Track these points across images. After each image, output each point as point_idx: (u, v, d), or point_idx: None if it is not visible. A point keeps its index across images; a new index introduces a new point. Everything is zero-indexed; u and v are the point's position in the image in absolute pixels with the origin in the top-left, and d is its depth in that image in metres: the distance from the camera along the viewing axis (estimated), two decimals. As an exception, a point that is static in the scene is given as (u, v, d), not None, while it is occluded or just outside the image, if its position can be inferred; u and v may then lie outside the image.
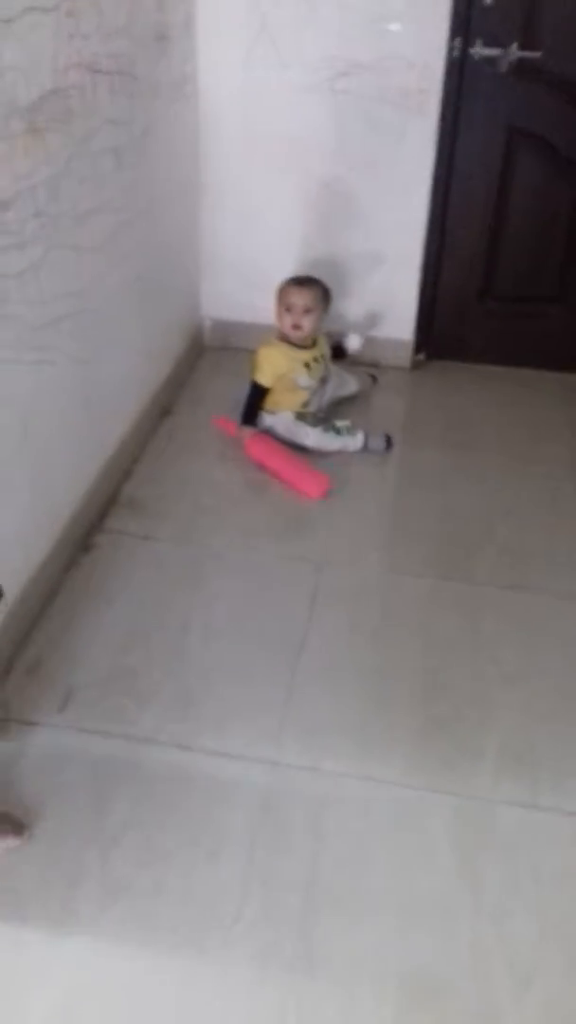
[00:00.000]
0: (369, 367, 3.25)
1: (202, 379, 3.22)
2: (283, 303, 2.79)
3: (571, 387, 3.33)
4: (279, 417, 2.86)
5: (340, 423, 2.89)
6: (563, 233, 3.20)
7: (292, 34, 2.89)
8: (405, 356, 3.37)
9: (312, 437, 2.85)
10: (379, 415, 3.05)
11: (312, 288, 2.80)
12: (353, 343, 3.07)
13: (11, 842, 1.67)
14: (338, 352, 3.04)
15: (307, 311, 2.77)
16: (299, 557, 2.42)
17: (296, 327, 2.79)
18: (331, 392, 3.00)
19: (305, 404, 2.89)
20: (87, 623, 2.16)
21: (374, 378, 3.21)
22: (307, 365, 2.84)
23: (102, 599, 2.23)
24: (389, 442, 2.89)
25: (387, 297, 3.28)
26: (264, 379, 2.82)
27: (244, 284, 3.29)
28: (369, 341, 3.30)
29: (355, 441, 2.87)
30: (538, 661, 2.14)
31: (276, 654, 2.11)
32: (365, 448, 2.86)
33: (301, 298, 2.77)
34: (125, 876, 1.63)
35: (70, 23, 2.00)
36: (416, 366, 3.41)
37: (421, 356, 3.43)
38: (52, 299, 2.06)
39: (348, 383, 3.10)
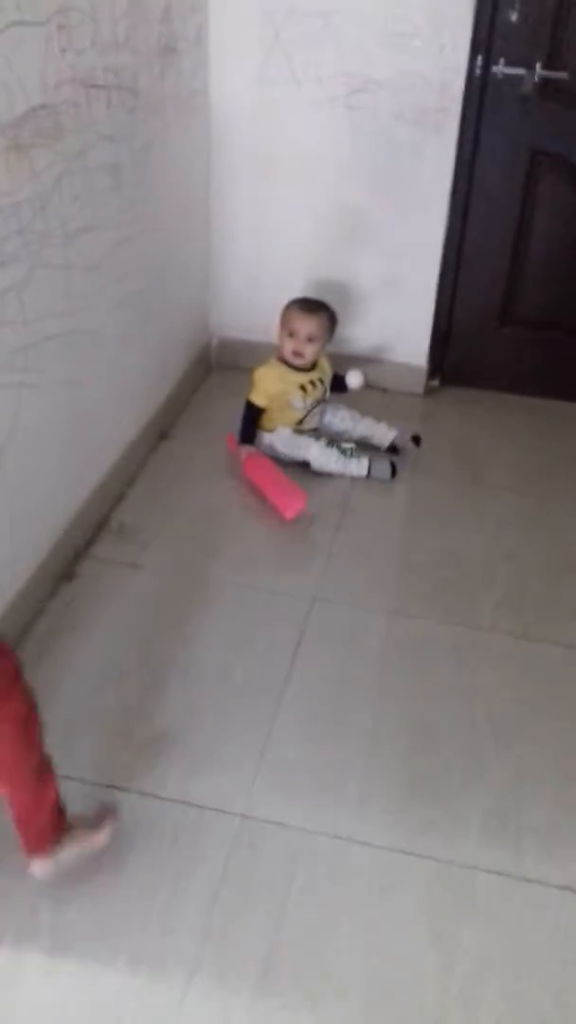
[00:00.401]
0: (413, 430, 2.97)
1: (206, 400, 3.14)
2: (287, 327, 2.70)
3: (590, 419, 3.21)
4: (277, 434, 2.78)
5: (345, 445, 2.79)
6: (587, 259, 3.08)
7: (306, 49, 2.81)
8: (418, 381, 3.27)
9: (314, 449, 2.75)
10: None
11: (318, 316, 2.70)
12: (353, 380, 2.90)
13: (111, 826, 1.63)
14: (338, 384, 2.91)
15: (310, 340, 2.68)
16: (290, 592, 2.32)
17: (297, 354, 2.70)
18: (356, 431, 2.89)
19: (299, 423, 2.81)
20: (62, 659, 2.07)
21: (417, 440, 2.92)
22: (302, 387, 2.76)
23: (80, 632, 2.14)
24: (394, 469, 2.78)
25: (400, 320, 3.18)
26: (258, 399, 2.74)
27: (254, 303, 3.21)
28: (380, 365, 3.22)
29: (358, 466, 2.76)
30: (535, 717, 2.02)
31: (257, 698, 2.01)
32: (368, 475, 2.76)
33: (306, 326, 2.68)
34: (74, 935, 1.54)
35: (62, 37, 1.93)
36: (429, 392, 3.30)
37: (435, 382, 3.32)
38: (36, 319, 1.99)
39: (380, 434, 2.89)
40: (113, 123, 2.24)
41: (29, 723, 1.47)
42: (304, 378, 2.75)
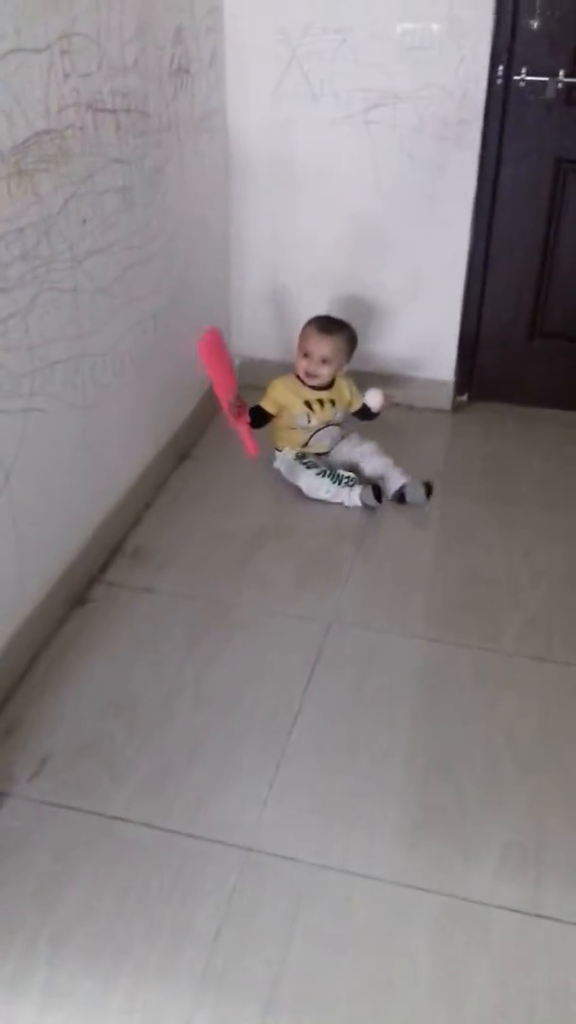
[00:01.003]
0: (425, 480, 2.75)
1: (222, 423, 3.11)
2: (302, 346, 2.66)
3: (623, 433, 3.11)
4: (282, 456, 2.75)
5: (343, 473, 2.70)
6: (617, 269, 3.00)
7: (323, 65, 2.79)
8: (446, 398, 3.21)
9: (303, 480, 2.68)
10: (414, 460, 2.87)
11: (335, 338, 2.64)
12: (372, 400, 2.79)
13: None
14: (366, 413, 2.82)
15: (324, 361, 2.63)
16: (306, 616, 2.27)
17: (310, 375, 2.66)
18: (368, 467, 2.77)
19: (304, 444, 2.75)
20: (72, 684, 2.05)
21: (429, 489, 2.69)
22: (309, 404, 2.70)
23: (91, 657, 2.12)
24: (377, 493, 2.64)
25: (426, 336, 3.13)
26: (266, 403, 2.71)
27: (276, 321, 3.19)
28: (407, 382, 3.17)
29: (349, 496, 2.64)
30: (558, 745, 1.94)
31: (268, 725, 1.96)
32: (364, 505, 2.65)
33: (320, 348, 2.63)
34: (70, 978, 1.50)
35: (65, 62, 1.93)
36: (458, 408, 3.24)
37: (463, 398, 3.26)
38: (42, 344, 1.98)
39: (391, 478, 2.72)
40: (122, 146, 2.23)
41: None
42: (313, 395, 2.70)
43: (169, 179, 2.55)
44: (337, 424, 2.78)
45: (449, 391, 3.20)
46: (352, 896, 1.63)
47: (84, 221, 2.10)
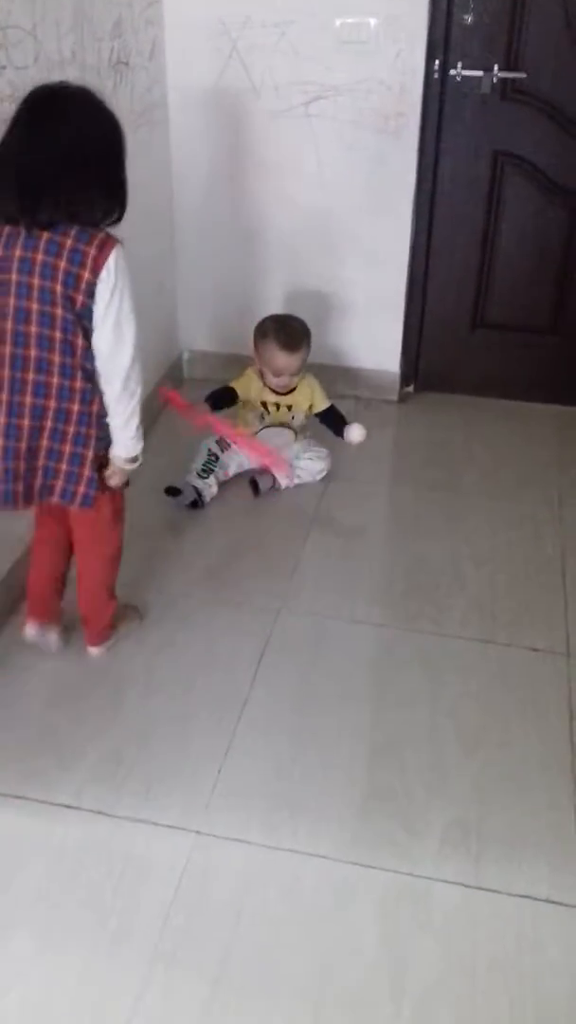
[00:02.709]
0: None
1: (175, 415, 3.12)
2: (269, 364, 2.63)
3: (564, 421, 3.18)
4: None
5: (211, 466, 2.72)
6: (556, 260, 3.06)
7: (263, 58, 2.81)
8: (392, 388, 3.25)
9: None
10: (359, 450, 2.91)
11: (300, 352, 2.62)
12: (353, 435, 2.77)
13: (133, 623, 2.17)
14: (335, 423, 2.82)
15: (292, 375, 2.65)
16: (256, 603, 2.30)
17: (282, 386, 2.68)
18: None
19: (255, 431, 2.77)
20: (16, 675, 2.05)
21: (255, 488, 2.72)
22: (265, 405, 2.73)
23: (38, 648, 2.12)
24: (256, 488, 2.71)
25: (372, 327, 3.17)
26: (238, 386, 2.72)
27: (224, 315, 3.20)
28: (354, 373, 3.21)
29: (198, 481, 2.66)
30: (501, 723, 1.99)
31: (217, 711, 1.99)
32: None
33: (290, 366, 2.62)
34: (21, 961, 1.52)
35: (0, 55, 1.93)
36: (403, 399, 3.29)
37: (409, 388, 3.31)
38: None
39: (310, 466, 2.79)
40: (62, 139, 2.23)
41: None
42: (272, 398, 2.72)
43: (111, 172, 2.54)
44: (294, 429, 2.78)
45: (395, 382, 3.24)
46: (299, 875, 1.66)
47: (24, 214, 2.09)
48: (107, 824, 1.74)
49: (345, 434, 2.78)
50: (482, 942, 1.56)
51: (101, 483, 1.83)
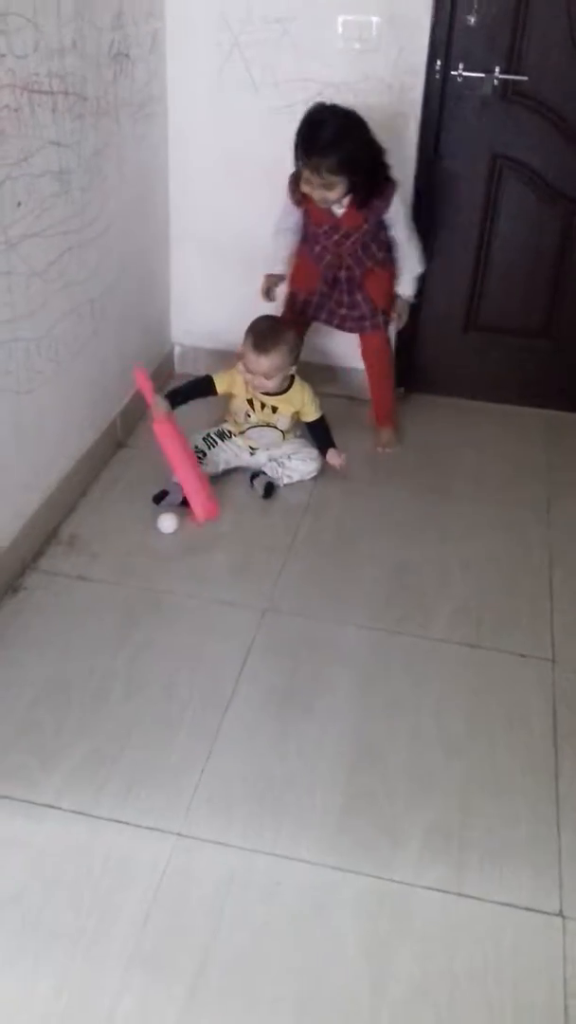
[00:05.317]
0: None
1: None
2: (245, 361, 2.63)
3: (555, 425, 3.18)
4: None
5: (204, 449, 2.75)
6: (550, 265, 3.06)
7: (264, 55, 2.79)
8: (384, 389, 3.23)
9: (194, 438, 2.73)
10: (349, 451, 2.91)
11: (271, 355, 2.58)
12: (332, 459, 2.78)
13: None
14: (316, 431, 2.82)
15: (268, 377, 2.63)
16: (241, 603, 2.29)
17: (255, 387, 2.66)
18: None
19: (240, 433, 2.77)
20: (2, 672, 2.03)
21: (269, 489, 2.71)
22: (251, 402, 2.71)
23: (24, 645, 2.11)
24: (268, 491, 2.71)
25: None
26: (220, 379, 2.72)
27: (216, 310, 3.18)
28: (346, 373, 3.20)
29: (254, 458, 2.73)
30: (485, 728, 1.99)
31: (200, 713, 1.97)
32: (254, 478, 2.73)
33: (259, 366, 2.60)
34: (-2, 961, 1.51)
35: (0, 42, 1.91)
36: (395, 400, 3.26)
37: (401, 390, 3.29)
38: (-26, 328, 1.96)
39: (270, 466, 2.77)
40: (59, 129, 2.21)
41: None
42: (257, 396, 2.70)
43: (108, 164, 2.53)
44: (280, 430, 2.76)
45: (386, 382, 3.23)
46: (280, 880, 1.66)
47: (19, 204, 2.07)
48: (87, 824, 1.73)
49: (327, 456, 2.79)
50: (462, 949, 1.56)
51: None
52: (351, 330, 2.92)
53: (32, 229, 2.14)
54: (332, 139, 2.49)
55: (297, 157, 2.57)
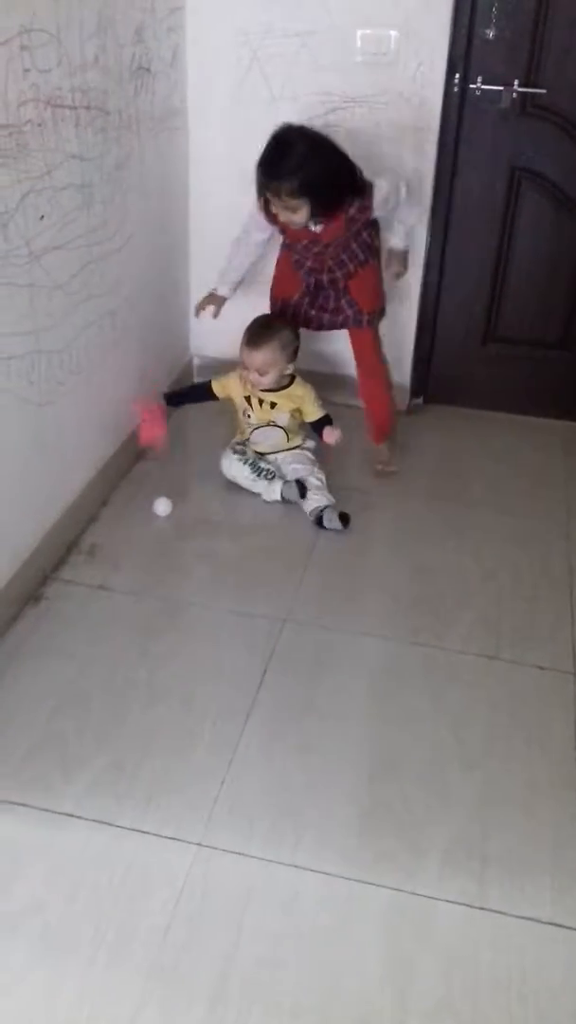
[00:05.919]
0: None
1: (184, 419, 3.11)
2: (242, 359, 2.65)
3: (573, 437, 3.18)
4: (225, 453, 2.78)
5: (265, 465, 2.74)
6: (568, 276, 3.06)
7: (283, 68, 2.81)
8: (402, 400, 3.23)
9: (225, 461, 2.74)
10: (367, 462, 2.91)
11: (264, 350, 2.60)
12: (328, 436, 2.73)
13: None
14: (319, 429, 2.79)
15: (262, 373, 2.64)
16: (261, 614, 2.29)
17: (251, 383, 2.67)
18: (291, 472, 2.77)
19: (246, 438, 2.78)
20: (22, 682, 2.04)
21: (345, 520, 2.62)
22: (248, 400, 2.72)
23: (45, 655, 2.11)
24: (302, 492, 2.67)
25: (383, 338, 3.14)
26: (216, 384, 2.76)
27: (235, 322, 3.17)
28: (354, 381, 3.19)
29: (268, 488, 2.69)
30: (504, 741, 1.98)
31: (220, 723, 1.97)
32: (283, 499, 2.69)
33: (252, 361, 2.61)
34: (19, 971, 1.50)
35: (25, 57, 1.93)
36: (413, 411, 3.28)
37: (419, 400, 3.30)
38: (-3, 340, 1.97)
39: (312, 499, 2.68)
40: (82, 143, 2.23)
41: None
42: (255, 393, 2.70)
43: (129, 177, 2.55)
44: (281, 428, 2.76)
45: (405, 394, 3.23)
46: (300, 891, 1.65)
47: (42, 217, 2.09)
48: (108, 834, 1.73)
49: (323, 435, 2.76)
50: (485, 963, 1.55)
51: None
52: (340, 326, 2.83)
53: (55, 242, 2.16)
54: (292, 164, 2.41)
55: (257, 179, 2.50)
